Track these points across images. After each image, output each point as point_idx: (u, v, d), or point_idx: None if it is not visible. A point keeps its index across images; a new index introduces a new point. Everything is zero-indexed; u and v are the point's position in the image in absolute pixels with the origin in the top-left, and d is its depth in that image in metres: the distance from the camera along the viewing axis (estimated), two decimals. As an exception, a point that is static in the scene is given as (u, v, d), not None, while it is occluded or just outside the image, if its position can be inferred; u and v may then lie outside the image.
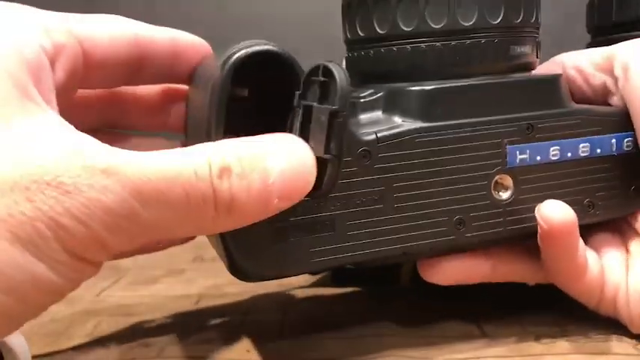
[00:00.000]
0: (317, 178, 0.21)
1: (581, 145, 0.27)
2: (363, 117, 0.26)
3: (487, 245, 0.27)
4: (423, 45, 0.26)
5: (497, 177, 0.26)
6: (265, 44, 0.22)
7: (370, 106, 0.26)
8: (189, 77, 0.26)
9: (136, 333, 0.30)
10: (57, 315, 0.33)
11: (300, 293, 0.35)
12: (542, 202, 0.26)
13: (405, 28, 0.26)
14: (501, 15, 0.26)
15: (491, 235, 0.26)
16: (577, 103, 0.29)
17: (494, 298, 0.32)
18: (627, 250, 0.28)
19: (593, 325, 0.28)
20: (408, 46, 0.26)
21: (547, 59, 0.31)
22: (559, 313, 0.29)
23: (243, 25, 0.58)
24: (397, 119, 0.25)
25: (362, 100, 0.26)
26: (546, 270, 0.28)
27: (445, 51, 0.26)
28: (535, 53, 0.28)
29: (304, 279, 0.38)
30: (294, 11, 0.59)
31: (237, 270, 0.24)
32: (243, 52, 0.22)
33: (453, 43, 0.26)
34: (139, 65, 0.24)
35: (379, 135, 0.24)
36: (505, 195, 0.26)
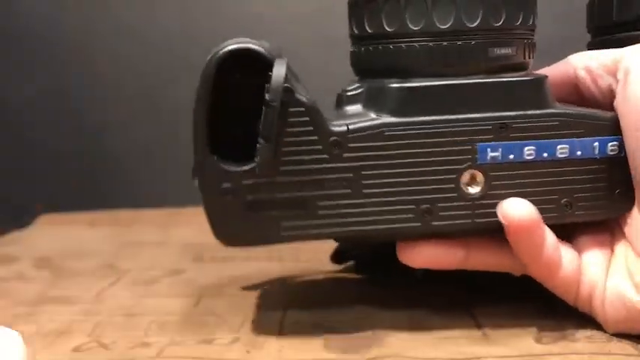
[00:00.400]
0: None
1: (559, 147, 0.27)
2: (349, 109, 0.28)
3: (456, 235, 0.28)
4: (403, 45, 0.27)
5: (466, 172, 0.27)
6: (245, 42, 0.25)
7: (354, 100, 0.28)
8: None
9: (135, 333, 0.30)
10: (57, 315, 0.33)
11: (300, 293, 0.35)
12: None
13: (388, 29, 0.27)
14: (479, 18, 0.26)
15: (459, 225, 0.27)
16: (586, 104, 0.29)
17: (495, 298, 0.32)
18: (612, 251, 0.28)
19: (594, 325, 0.28)
20: (391, 46, 0.27)
21: (544, 60, 0.31)
22: (559, 313, 0.29)
23: (242, 25, 0.58)
24: (372, 113, 0.27)
25: (348, 94, 0.28)
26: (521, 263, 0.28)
27: (422, 52, 0.27)
28: (524, 54, 0.28)
29: (304, 276, 0.38)
30: (294, 11, 0.59)
31: (218, 236, 0.27)
32: (226, 49, 0.25)
33: (431, 44, 0.27)
34: None
35: (350, 127, 0.26)
36: (475, 190, 0.27)
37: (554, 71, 0.30)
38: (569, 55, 0.30)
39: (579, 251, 0.29)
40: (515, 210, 0.27)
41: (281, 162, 0.26)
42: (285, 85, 0.25)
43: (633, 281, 0.27)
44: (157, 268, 0.41)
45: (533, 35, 0.29)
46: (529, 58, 0.28)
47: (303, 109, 0.26)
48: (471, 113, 0.27)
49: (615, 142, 0.27)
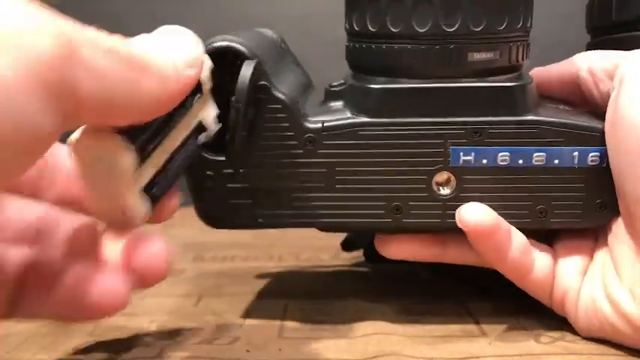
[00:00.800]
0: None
1: (536, 154, 0.27)
2: (332, 104, 0.29)
3: (427, 233, 0.29)
4: (384, 46, 0.27)
5: (438, 174, 0.27)
6: (229, 40, 0.26)
7: (338, 96, 0.29)
8: None
9: (136, 333, 0.30)
10: (57, 315, 0.33)
11: (299, 293, 0.35)
12: (486, 201, 0.27)
13: (372, 29, 0.27)
14: (458, 23, 0.26)
15: (429, 224, 0.28)
16: (588, 105, 0.29)
17: (495, 298, 0.32)
18: (591, 258, 0.28)
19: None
20: (373, 45, 0.28)
21: (543, 60, 0.31)
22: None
23: (242, 26, 0.58)
24: (349, 112, 0.28)
25: (332, 89, 0.29)
26: None
27: (402, 53, 0.27)
28: (509, 58, 0.27)
29: (304, 275, 0.38)
30: (295, 11, 0.59)
31: (204, 218, 0.29)
32: (209, 46, 0.26)
33: (409, 47, 0.27)
34: None
35: (325, 124, 0.27)
36: (446, 191, 0.27)
37: (557, 70, 0.30)
38: (568, 55, 0.30)
39: (557, 255, 0.28)
40: (471, 215, 0.27)
41: (258, 155, 0.27)
42: (262, 82, 0.26)
43: (606, 293, 0.27)
44: (157, 268, 0.41)
45: (525, 37, 0.28)
46: (518, 60, 0.28)
47: (280, 105, 0.27)
48: (445, 117, 0.27)
49: (597, 153, 0.27)
